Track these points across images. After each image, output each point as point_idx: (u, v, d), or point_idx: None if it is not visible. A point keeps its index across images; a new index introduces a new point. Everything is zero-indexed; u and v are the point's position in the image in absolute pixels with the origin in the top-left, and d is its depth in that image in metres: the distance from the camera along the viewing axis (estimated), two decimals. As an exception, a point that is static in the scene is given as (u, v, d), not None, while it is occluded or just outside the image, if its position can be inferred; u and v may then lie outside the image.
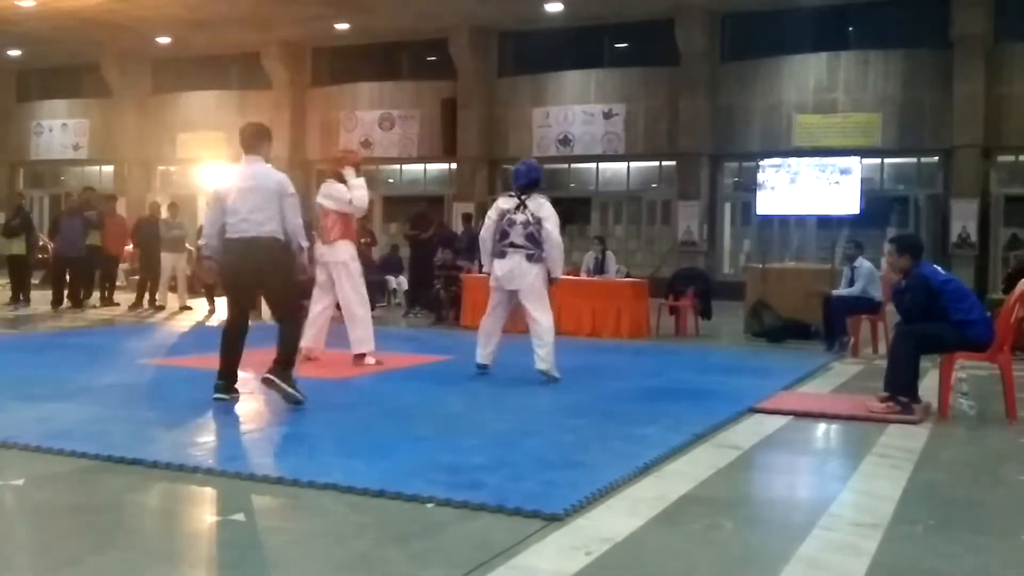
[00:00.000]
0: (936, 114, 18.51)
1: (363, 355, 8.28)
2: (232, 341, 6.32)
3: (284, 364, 6.11)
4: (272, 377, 6.03)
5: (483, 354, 7.74)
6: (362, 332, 8.29)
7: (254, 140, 6.34)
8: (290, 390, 6.01)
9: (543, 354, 7.44)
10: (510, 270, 7.53)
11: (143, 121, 25.81)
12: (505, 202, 7.72)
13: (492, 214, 7.70)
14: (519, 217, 7.52)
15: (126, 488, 4.24)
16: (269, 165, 6.36)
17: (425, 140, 22.68)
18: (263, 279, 6.23)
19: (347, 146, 8.60)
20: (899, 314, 6.75)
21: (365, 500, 4.06)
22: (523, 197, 7.61)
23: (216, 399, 6.16)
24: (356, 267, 8.43)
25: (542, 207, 7.55)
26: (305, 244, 6.48)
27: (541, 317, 7.49)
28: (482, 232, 7.88)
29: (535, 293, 7.54)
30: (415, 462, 4.70)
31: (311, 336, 8.42)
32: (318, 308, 8.60)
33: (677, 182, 20.58)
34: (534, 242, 7.47)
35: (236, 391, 6.30)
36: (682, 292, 12.35)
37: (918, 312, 6.43)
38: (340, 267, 8.38)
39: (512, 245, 7.52)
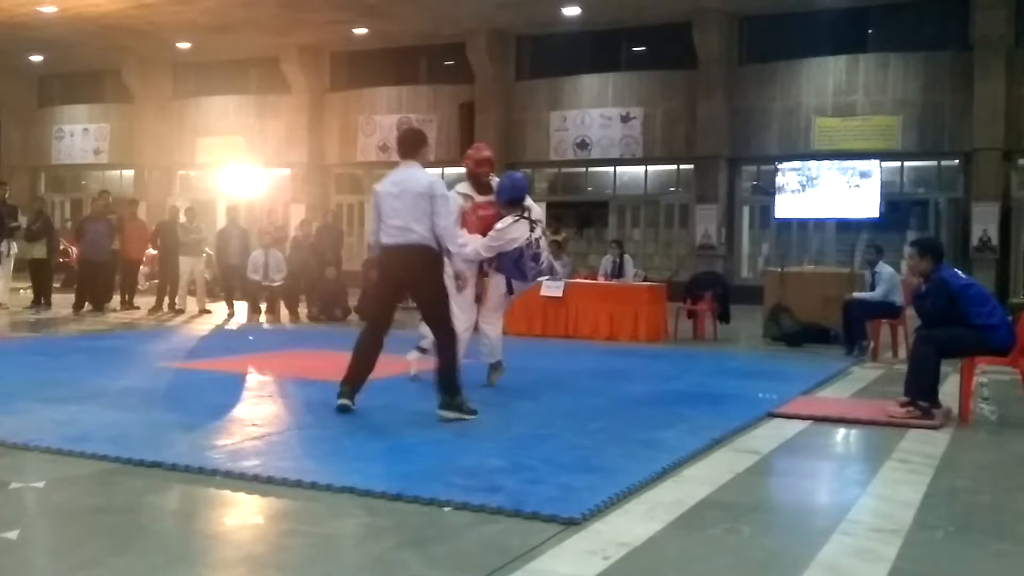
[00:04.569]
0: (956, 117, 18.39)
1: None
2: (368, 349, 6.12)
3: (449, 391, 5.86)
4: (446, 414, 5.81)
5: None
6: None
7: (410, 146, 6.23)
8: (466, 416, 5.82)
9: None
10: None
11: (163, 126, 25.97)
12: (518, 230, 7.10)
13: (504, 235, 7.05)
14: (537, 233, 7.20)
15: (145, 491, 4.26)
16: (420, 167, 6.17)
17: (443, 144, 22.66)
18: (414, 289, 6.16)
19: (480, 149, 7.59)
20: (919, 318, 6.71)
21: (382, 503, 4.06)
22: (526, 215, 7.16)
23: (340, 407, 5.95)
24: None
25: (535, 211, 7.34)
26: (455, 248, 6.28)
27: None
28: (483, 245, 7.10)
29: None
30: (432, 465, 4.71)
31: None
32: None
33: (695, 185, 20.52)
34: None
35: (353, 402, 6.03)
36: (700, 296, 12.31)
37: (938, 316, 6.39)
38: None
39: (536, 268, 7.32)
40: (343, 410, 5.93)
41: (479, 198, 7.29)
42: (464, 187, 7.38)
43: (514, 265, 7.15)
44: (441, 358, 5.97)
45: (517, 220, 7.12)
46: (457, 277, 6.56)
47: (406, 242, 5.92)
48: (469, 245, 6.92)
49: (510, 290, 7.38)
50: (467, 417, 5.83)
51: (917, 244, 6.81)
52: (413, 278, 6.04)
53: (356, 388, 6.05)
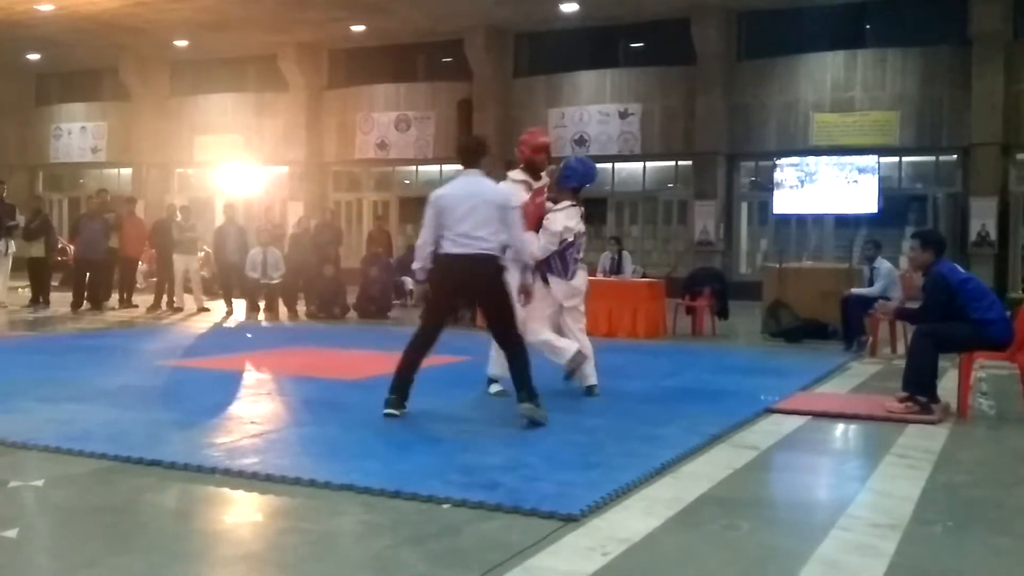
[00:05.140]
0: (954, 112, 18.39)
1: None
2: (421, 355, 6.00)
3: (528, 395, 5.72)
4: (525, 408, 5.68)
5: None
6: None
7: (473, 155, 6.07)
8: (540, 420, 5.67)
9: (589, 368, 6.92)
10: (583, 281, 7.13)
11: (161, 124, 25.95)
12: (569, 218, 6.85)
13: (555, 228, 6.74)
14: (582, 227, 7.00)
15: (144, 489, 4.27)
16: (485, 176, 6.03)
17: (441, 141, 22.70)
18: (483, 299, 6.05)
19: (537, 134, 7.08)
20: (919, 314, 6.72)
21: (381, 501, 4.06)
22: (578, 204, 6.95)
23: (387, 415, 5.81)
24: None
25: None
26: (530, 261, 6.22)
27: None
28: (541, 247, 6.74)
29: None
30: (431, 463, 4.71)
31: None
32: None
33: (693, 182, 20.52)
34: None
35: (405, 407, 5.92)
36: (699, 292, 12.32)
37: (937, 311, 6.39)
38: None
39: (577, 261, 7.07)
40: (390, 416, 5.80)
41: (536, 184, 6.95)
42: (518, 174, 6.97)
43: (559, 256, 6.81)
44: (516, 367, 5.85)
45: (571, 206, 6.91)
46: (522, 291, 6.27)
47: (476, 251, 5.79)
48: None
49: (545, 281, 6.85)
50: (540, 421, 5.66)
51: (919, 236, 6.81)
52: (480, 287, 5.93)
53: (405, 397, 5.93)
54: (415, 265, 6.20)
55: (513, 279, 6.21)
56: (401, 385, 5.92)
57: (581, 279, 7.10)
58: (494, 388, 6.89)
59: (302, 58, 23.90)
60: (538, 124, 21.77)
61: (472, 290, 6.06)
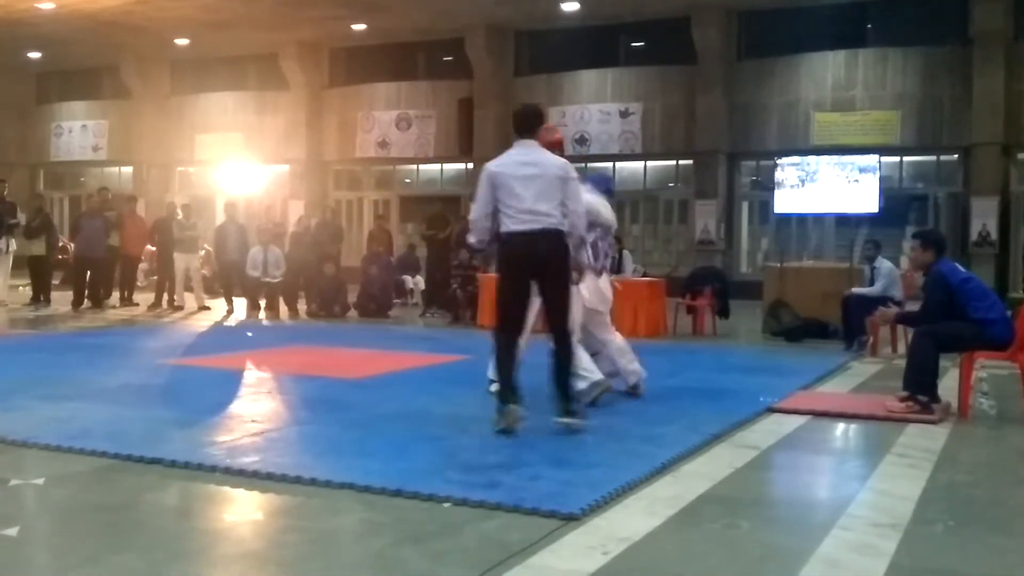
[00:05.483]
0: (955, 111, 18.38)
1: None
2: (514, 354, 5.60)
3: (571, 396, 5.45)
4: (568, 420, 5.37)
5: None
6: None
7: (528, 123, 5.72)
8: (581, 429, 5.38)
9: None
10: (608, 287, 7.00)
11: (162, 122, 25.95)
12: (604, 206, 6.77)
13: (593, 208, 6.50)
14: (614, 222, 6.94)
15: (144, 487, 4.27)
16: (541, 147, 5.72)
17: (442, 140, 22.70)
18: (548, 279, 5.54)
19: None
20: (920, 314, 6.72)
21: (382, 499, 4.06)
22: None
23: (501, 432, 5.37)
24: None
25: None
26: (588, 236, 5.91)
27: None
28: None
29: None
30: (432, 461, 4.71)
31: None
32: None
33: (694, 181, 20.51)
34: None
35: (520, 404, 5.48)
36: (699, 291, 12.32)
37: (937, 311, 6.39)
38: None
39: (608, 256, 7.05)
40: (514, 419, 5.42)
41: None
42: None
43: (591, 245, 6.55)
44: (564, 357, 5.52)
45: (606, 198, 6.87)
46: (575, 268, 5.89)
47: (542, 227, 5.42)
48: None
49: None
50: (584, 423, 5.40)
51: (921, 236, 6.81)
52: (547, 266, 5.49)
53: (519, 402, 5.48)
54: (471, 238, 5.91)
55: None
56: (512, 386, 5.50)
57: (607, 284, 6.95)
58: (495, 387, 6.85)
59: (303, 56, 23.90)
60: (539, 123, 21.83)
61: (539, 270, 5.52)
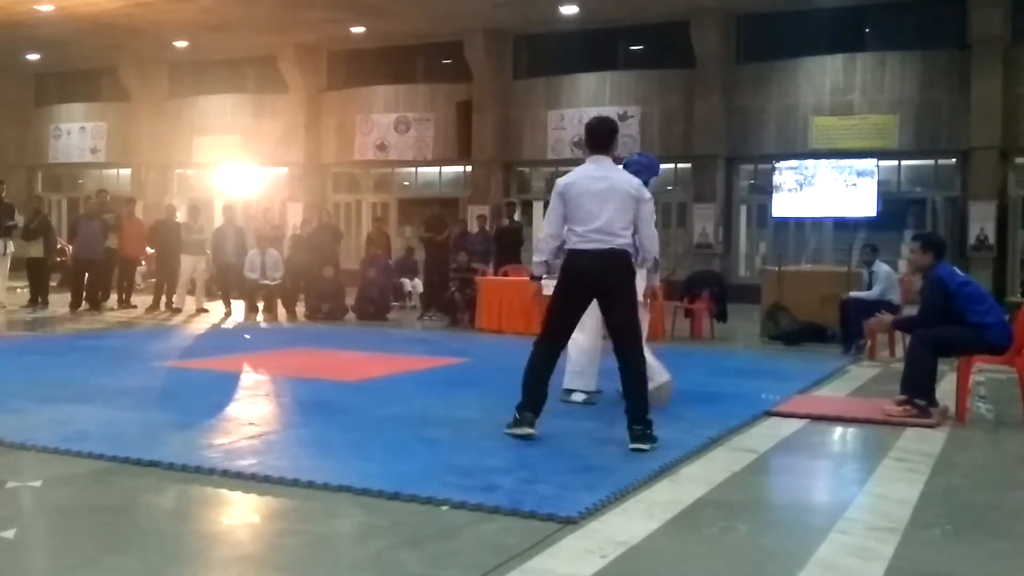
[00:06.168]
0: (953, 116, 18.39)
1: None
2: (550, 367, 5.47)
3: (642, 421, 5.17)
4: (638, 446, 5.10)
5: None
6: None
7: (605, 139, 5.54)
8: (652, 446, 5.13)
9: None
10: None
11: (160, 125, 25.94)
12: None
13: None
14: None
15: (142, 489, 4.26)
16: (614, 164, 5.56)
17: (440, 143, 22.70)
18: (613, 302, 5.37)
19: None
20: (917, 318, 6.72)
21: (380, 502, 4.06)
22: None
23: (518, 435, 5.31)
24: None
25: None
26: (658, 258, 5.71)
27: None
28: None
29: None
30: (429, 464, 4.71)
31: None
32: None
33: (692, 184, 20.51)
34: None
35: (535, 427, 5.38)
36: (697, 295, 12.31)
37: (934, 314, 6.39)
38: None
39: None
40: (528, 438, 5.30)
41: None
42: None
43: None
44: (636, 383, 5.29)
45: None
46: (648, 294, 5.85)
47: (610, 248, 5.25)
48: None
49: None
50: (655, 446, 5.14)
51: (921, 238, 6.81)
52: (614, 288, 5.33)
53: (538, 414, 5.41)
54: (536, 258, 5.71)
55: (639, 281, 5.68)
56: (535, 403, 5.38)
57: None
58: (578, 397, 6.69)
59: (301, 59, 23.90)
60: (537, 126, 21.88)
61: (605, 291, 5.36)
